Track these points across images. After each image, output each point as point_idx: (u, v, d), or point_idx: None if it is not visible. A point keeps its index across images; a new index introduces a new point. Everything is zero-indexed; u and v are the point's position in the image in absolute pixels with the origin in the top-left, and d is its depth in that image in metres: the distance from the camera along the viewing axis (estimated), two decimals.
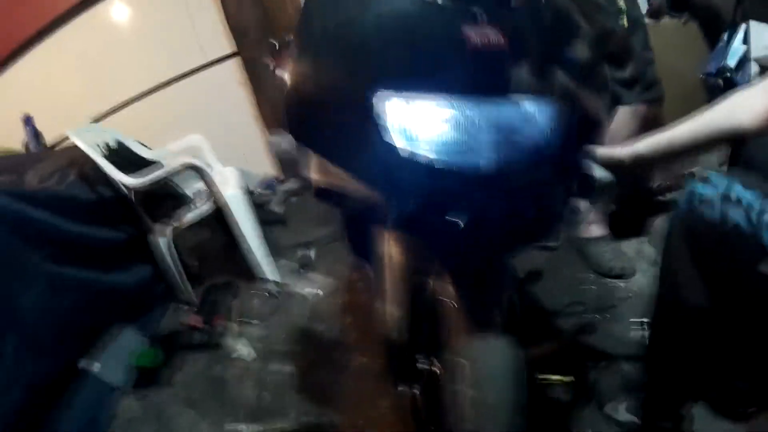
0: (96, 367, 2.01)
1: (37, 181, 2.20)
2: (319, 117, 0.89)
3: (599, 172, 1.17)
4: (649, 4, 2.00)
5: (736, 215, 0.91)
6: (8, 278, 1.73)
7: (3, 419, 1.55)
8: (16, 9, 3.47)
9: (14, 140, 3.32)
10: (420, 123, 0.82)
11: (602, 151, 1.18)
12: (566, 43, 0.95)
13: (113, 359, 2.08)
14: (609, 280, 1.99)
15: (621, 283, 1.96)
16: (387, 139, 0.81)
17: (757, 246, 0.87)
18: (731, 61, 1.91)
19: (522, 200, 1.01)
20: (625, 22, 1.86)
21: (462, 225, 0.93)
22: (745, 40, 1.90)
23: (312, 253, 2.70)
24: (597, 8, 1.87)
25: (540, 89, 0.85)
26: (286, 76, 0.92)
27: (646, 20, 2.01)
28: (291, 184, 3.72)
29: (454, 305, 0.97)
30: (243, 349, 2.14)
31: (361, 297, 2.28)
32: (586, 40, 1.00)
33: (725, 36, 2.01)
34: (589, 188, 1.20)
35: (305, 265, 2.63)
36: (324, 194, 1.03)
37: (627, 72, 1.91)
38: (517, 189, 0.91)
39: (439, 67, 0.82)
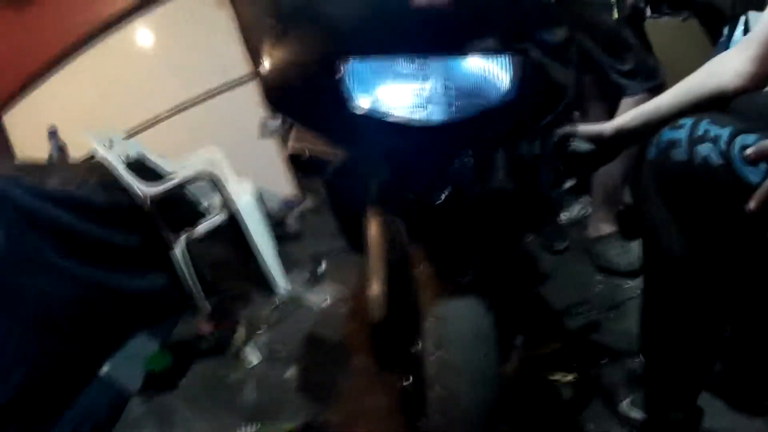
0: (106, 367, 2.04)
1: (58, 184, 2.30)
2: (293, 84, 0.91)
3: (582, 146, 1.17)
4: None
5: (703, 149, 0.85)
6: (21, 266, 1.80)
7: (4, 397, 1.58)
8: (49, 28, 3.65)
9: (41, 153, 3.45)
10: (378, 82, 0.85)
11: (582, 127, 1.19)
12: (538, 22, 0.95)
13: (123, 362, 2.13)
14: (616, 278, 1.95)
15: (629, 281, 1.90)
16: (349, 100, 0.84)
17: (729, 177, 0.81)
18: None
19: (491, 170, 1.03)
20: (616, 14, 1.85)
21: (438, 199, 0.94)
22: (746, 32, 1.86)
23: (323, 265, 2.73)
24: (587, 2, 1.88)
25: (504, 48, 0.85)
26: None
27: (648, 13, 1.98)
28: (307, 203, 3.77)
29: (426, 270, 0.96)
30: (249, 354, 2.15)
31: (366, 303, 2.28)
32: (563, 23, 1.01)
33: (726, 30, 1.98)
34: (573, 164, 1.20)
35: (315, 276, 2.66)
36: (298, 161, 1.05)
37: (627, 64, 1.90)
38: (480, 153, 0.93)
39: (394, 28, 0.85)
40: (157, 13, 3.76)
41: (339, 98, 0.84)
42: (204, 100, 3.71)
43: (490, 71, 0.85)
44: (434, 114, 0.84)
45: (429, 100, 0.84)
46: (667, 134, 0.94)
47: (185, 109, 3.72)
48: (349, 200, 1.15)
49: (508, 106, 0.85)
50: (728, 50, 1.08)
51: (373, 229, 1.09)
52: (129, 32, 3.76)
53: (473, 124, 0.85)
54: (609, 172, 1.78)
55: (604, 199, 2.06)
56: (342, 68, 0.83)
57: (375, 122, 0.85)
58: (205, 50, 3.67)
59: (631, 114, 1.16)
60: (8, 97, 4.05)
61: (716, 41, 2.05)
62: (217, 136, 3.61)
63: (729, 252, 0.96)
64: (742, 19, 1.86)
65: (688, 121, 0.91)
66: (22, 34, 3.78)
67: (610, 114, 1.98)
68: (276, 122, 1.28)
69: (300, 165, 1.08)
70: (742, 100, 1.03)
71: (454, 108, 0.85)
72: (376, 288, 1.09)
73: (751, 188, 0.77)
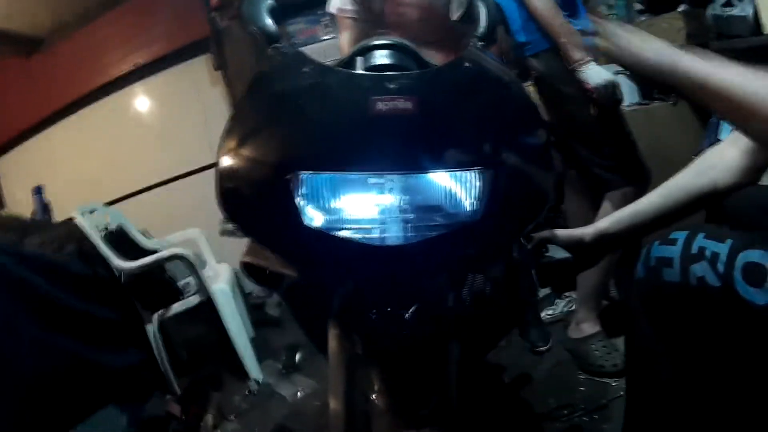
0: None
1: (36, 246, 2.27)
2: (244, 196, 0.85)
3: (557, 254, 1.11)
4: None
5: (699, 269, 0.78)
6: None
7: None
8: (53, 80, 3.71)
9: (24, 210, 3.41)
10: (332, 197, 0.79)
11: (561, 232, 1.13)
12: (516, 125, 0.90)
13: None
14: (600, 378, 1.87)
15: (613, 382, 1.82)
16: (300, 216, 0.78)
17: (730, 300, 0.73)
18: (724, 136, 1.86)
19: (452, 286, 0.96)
20: (592, 110, 1.83)
21: (402, 317, 0.88)
22: None
23: (298, 356, 2.64)
24: (565, 97, 1.88)
25: (472, 162, 0.80)
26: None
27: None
28: None
29: (382, 398, 0.89)
30: None
31: None
32: (543, 123, 0.96)
33: None
34: (547, 273, 1.14)
35: (290, 367, 2.57)
36: (253, 270, 0.99)
37: (608, 158, 1.88)
38: (436, 271, 0.86)
39: (353, 139, 0.80)
40: (155, 80, 3.78)
41: (290, 214, 0.78)
42: (192, 174, 3.69)
43: (456, 189, 0.78)
44: (390, 234, 0.78)
45: (385, 220, 0.78)
46: (658, 251, 0.86)
47: (173, 181, 3.71)
48: (310, 311, 1.09)
49: (477, 226, 0.78)
50: (717, 145, 1.03)
51: (333, 344, 1.02)
52: (126, 96, 3.79)
53: (434, 247, 0.78)
54: (590, 271, 1.72)
55: (586, 299, 2.00)
56: (293, 183, 0.78)
57: (327, 240, 0.79)
58: (199, 124, 3.66)
59: (613, 217, 1.09)
60: (4, 143, 4.05)
61: (706, 123, 2.03)
62: (202, 212, 3.53)
63: (723, 380, 0.88)
64: None
65: (681, 236, 0.84)
66: (27, 82, 3.84)
67: (595, 208, 1.95)
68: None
69: (255, 275, 1.02)
70: (737, 198, 0.97)
71: (411, 229, 0.78)
72: (334, 404, 1.01)
73: (757, 311, 0.70)
